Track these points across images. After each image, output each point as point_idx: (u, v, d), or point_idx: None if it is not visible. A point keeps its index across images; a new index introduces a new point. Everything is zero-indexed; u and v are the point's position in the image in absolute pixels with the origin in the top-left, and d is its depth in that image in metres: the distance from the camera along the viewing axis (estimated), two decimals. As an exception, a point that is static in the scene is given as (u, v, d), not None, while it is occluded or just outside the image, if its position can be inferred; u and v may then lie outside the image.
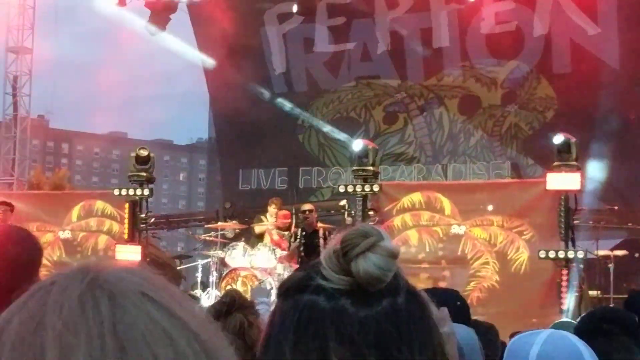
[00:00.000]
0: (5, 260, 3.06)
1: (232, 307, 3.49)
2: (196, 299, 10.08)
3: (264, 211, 15.87)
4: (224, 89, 22.91)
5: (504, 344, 5.23)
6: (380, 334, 1.37)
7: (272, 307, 1.51)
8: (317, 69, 23.41)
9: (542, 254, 11.66)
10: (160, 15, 22.81)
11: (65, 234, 14.84)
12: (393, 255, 1.42)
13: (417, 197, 12.85)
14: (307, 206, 15.12)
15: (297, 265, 13.84)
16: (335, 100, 23.64)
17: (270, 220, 15.56)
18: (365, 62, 23.18)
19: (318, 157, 23.36)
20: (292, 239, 14.62)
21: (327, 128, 22.90)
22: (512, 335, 4.40)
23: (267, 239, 15.32)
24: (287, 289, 1.47)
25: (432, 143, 22.81)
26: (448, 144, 22.65)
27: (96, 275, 0.85)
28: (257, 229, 15.68)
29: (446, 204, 12.64)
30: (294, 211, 15.72)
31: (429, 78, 22.77)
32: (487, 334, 4.76)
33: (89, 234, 14.94)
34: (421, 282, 11.85)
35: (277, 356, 1.40)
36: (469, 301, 12.19)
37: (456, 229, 12.54)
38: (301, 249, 14.17)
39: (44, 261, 3.31)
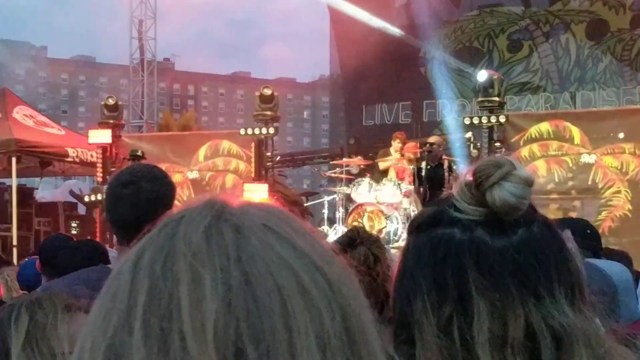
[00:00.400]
0: (143, 197, 3.18)
1: (355, 240, 3.48)
2: (324, 235, 10.19)
3: (388, 146, 15.80)
4: (346, 24, 22.82)
5: (637, 273, 5.10)
6: (519, 262, 1.37)
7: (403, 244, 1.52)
8: (438, 0, 23.03)
9: (677, 181, 11.34)
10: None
11: (194, 174, 15.18)
12: (528, 182, 1.41)
13: (544, 126, 12.60)
14: (432, 139, 14.89)
15: (422, 199, 13.76)
16: (458, 30, 23.25)
17: (394, 155, 15.49)
18: (487, -9, 22.71)
19: (441, 89, 23.06)
20: (416, 172, 14.49)
21: (450, 59, 22.57)
22: (646, 265, 4.29)
23: (392, 173, 15.27)
24: (419, 225, 1.48)
25: (558, 70, 22.24)
26: (575, 70, 22.05)
27: (222, 209, 0.88)
28: (382, 165, 15.64)
29: (575, 132, 12.36)
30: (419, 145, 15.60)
31: (555, 3, 22.13)
32: (620, 262, 4.63)
33: (217, 173, 15.25)
34: (551, 213, 11.65)
35: (414, 290, 1.41)
36: (600, 231, 12.00)
37: (586, 158, 12.27)
38: (426, 182, 14.04)
39: (175, 202, 3.43)
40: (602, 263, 2.81)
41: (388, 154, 15.65)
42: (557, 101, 21.87)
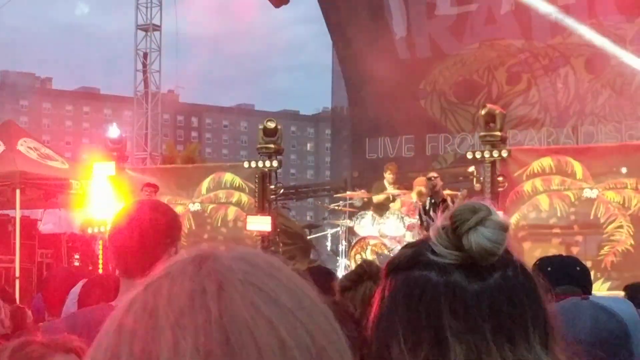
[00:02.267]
0: (155, 230, 3.29)
1: (362, 276, 3.48)
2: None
3: (382, 179, 15.76)
4: (351, 57, 22.92)
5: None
6: (494, 306, 1.39)
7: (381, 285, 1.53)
8: (440, 34, 23.09)
9: (679, 217, 11.33)
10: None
11: (195, 207, 15.18)
12: (504, 227, 1.43)
13: (547, 161, 12.63)
14: (431, 173, 14.84)
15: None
16: (458, 63, 23.29)
17: (388, 187, 15.48)
18: (489, 25, 22.74)
19: (440, 122, 23.08)
20: (422, 209, 14.45)
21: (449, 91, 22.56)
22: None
23: (397, 204, 15.22)
24: (396, 266, 1.49)
25: (557, 104, 22.24)
26: (574, 104, 22.06)
27: (206, 265, 0.88)
28: (375, 198, 15.62)
29: (577, 167, 12.38)
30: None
31: (555, 37, 22.18)
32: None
33: (219, 205, 15.24)
34: (553, 248, 11.67)
35: (390, 333, 1.42)
36: (602, 266, 12.03)
37: (588, 193, 12.28)
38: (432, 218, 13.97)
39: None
40: (606, 300, 2.79)
41: (382, 186, 15.63)
42: (559, 136, 21.87)
